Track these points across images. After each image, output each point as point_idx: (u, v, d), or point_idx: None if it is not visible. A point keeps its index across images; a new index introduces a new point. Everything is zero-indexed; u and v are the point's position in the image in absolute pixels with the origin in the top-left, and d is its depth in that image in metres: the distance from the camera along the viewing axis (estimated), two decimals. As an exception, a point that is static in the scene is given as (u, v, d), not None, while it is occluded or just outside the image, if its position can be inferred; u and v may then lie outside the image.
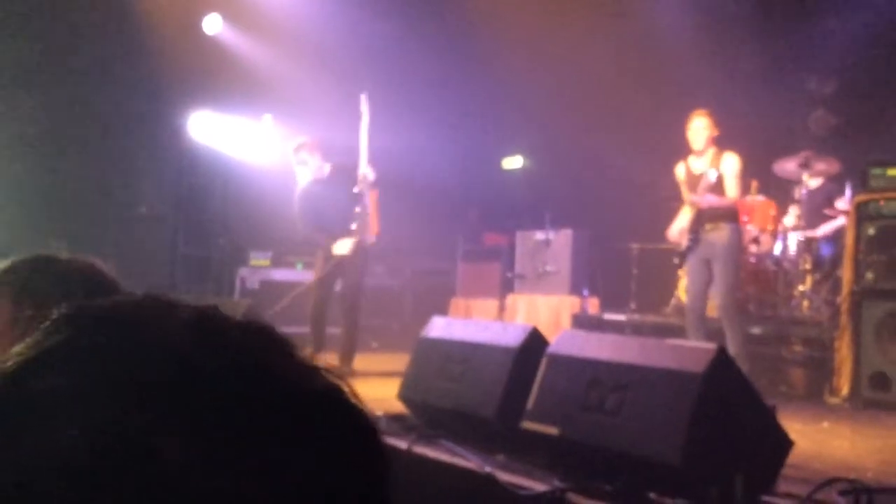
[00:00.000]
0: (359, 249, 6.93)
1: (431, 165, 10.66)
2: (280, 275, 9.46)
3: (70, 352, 0.50)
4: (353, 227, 6.89)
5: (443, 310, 9.31)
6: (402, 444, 3.87)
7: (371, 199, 7.05)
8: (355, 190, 6.89)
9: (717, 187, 6.26)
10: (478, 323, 5.81)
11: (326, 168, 7.05)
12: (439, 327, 4.74)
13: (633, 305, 8.44)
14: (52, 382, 0.48)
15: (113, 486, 0.45)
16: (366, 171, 6.85)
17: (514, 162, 12.42)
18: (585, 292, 8.85)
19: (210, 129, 10.04)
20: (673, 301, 8.17)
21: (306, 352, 0.56)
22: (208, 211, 10.15)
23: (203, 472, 0.46)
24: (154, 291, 0.59)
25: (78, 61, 9.01)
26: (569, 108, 9.43)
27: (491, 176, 12.24)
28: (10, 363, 0.50)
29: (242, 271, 9.33)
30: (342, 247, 6.89)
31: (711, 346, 3.44)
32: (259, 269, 9.43)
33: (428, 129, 10.58)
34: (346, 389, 0.54)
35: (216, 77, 9.58)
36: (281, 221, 9.35)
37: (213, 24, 9.87)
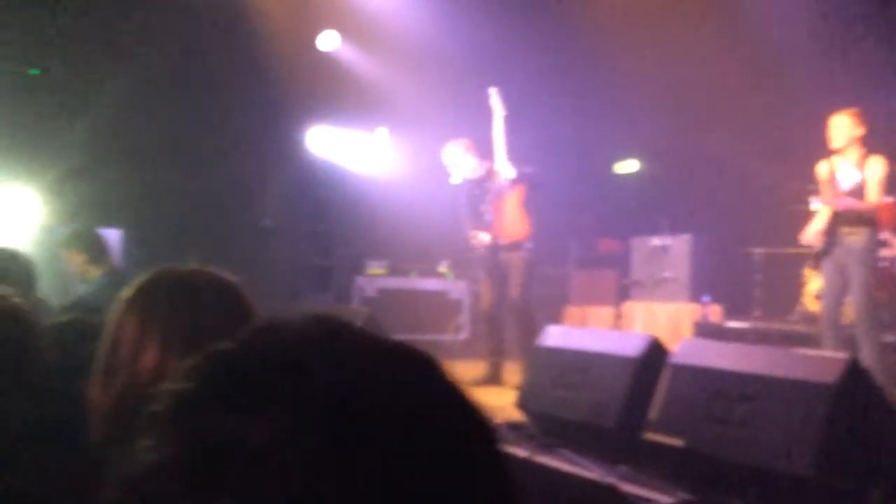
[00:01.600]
0: (511, 254, 6.74)
1: (541, 170, 10.61)
2: (395, 283, 9.63)
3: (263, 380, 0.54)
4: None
5: (555, 318, 9.25)
6: (521, 453, 3.87)
7: (514, 197, 6.78)
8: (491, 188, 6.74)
9: (858, 191, 5.97)
10: (595, 332, 5.75)
11: (482, 168, 6.91)
12: (556, 336, 4.72)
13: (756, 313, 8.17)
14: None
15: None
16: (503, 168, 6.69)
17: (628, 166, 12.23)
18: (706, 299, 8.62)
19: (327, 143, 10.33)
20: (798, 308, 7.87)
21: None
22: (328, 222, 10.44)
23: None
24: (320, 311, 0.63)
25: (202, 81, 9.44)
26: (686, 109, 9.21)
27: (604, 180, 12.08)
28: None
29: (360, 280, 9.53)
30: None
31: (842, 355, 3.31)
32: (375, 277, 9.62)
33: (538, 134, 10.55)
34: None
35: (332, 92, 9.85)
36: (396, 231, 9.56)
37: (328, 41, 10.15)
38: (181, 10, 8.76)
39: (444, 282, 9.61)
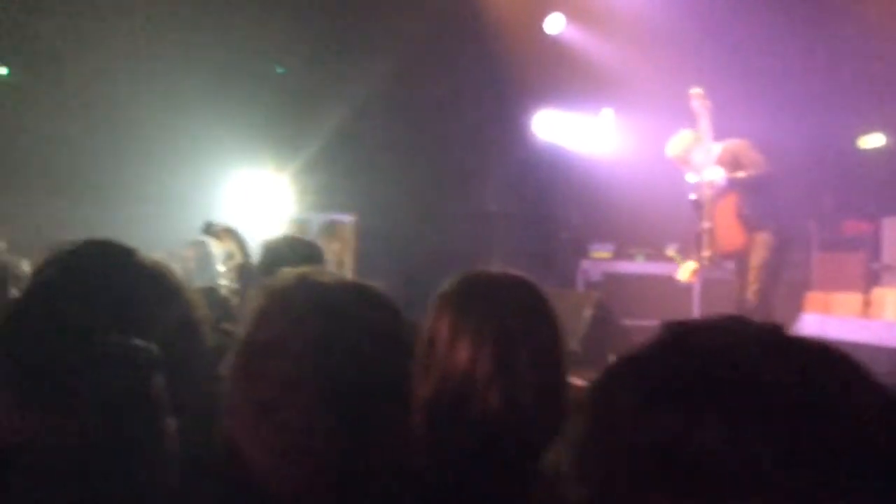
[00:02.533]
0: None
1: (777, 148, 9.99)
2: (621, 267, 9.48)
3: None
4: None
5: (796, 304, 8.69)
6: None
7: (726, 206, 6.34)
8: (691, 197, 6.37)
9: None
10: (857, 321, 5.33)
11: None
12: (812, 325, 4.44)
13: None
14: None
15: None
16: (712, 175, 6.27)
17: (873, 140, 11.22)
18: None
19: (552, 127, 10.33)
20: None
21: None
22: (552, 206, 10.45)
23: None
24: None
25: (429, 71, 9.74)
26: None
27: (846, 157, 11.17)
28: None
29: (584, 264, 9.47)
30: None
31: None
32: (600, 261, 9.51)
33: (774, 110, 9.92)
34: None
35: (557, 75, 9.81)
36: (621, 213, 9.38)
37: (555, 24, 10.11)
38: (411, 2, 9.08)
39: (672, 265, 9.33)
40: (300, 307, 1.14)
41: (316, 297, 1.15)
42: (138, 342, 1.31)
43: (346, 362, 1.10)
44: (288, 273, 1.18)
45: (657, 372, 0.56)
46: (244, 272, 4.03)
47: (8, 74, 10.16)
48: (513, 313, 1.61)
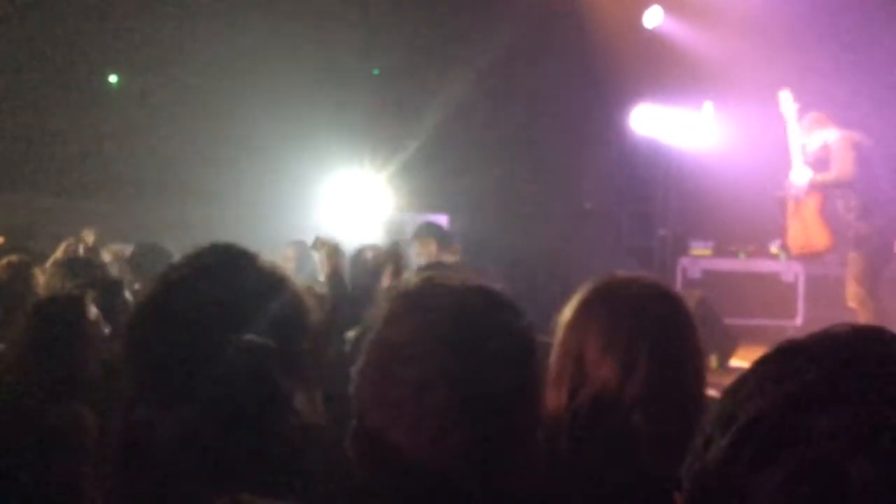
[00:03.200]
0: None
1: (883, 140, 9.55)
2: (722, 264, 9.24)
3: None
4: None
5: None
6: None
7: (811, 206, 6.28)
8: (778, 194, 6.31)
9: None
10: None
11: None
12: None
13: None
14: None
15: None
16: (797, 177, 6.18)
17: None
18: None
19: (650, 121, 10.15)
20: None
21: None
22: (650, 202, 10.28)
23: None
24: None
25: (526, 68, 9.72)
26: None
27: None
28: None
29: (684, 261, 9.28)
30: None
31: None
32: (700, 258, 9.31)
33: (879, 102, 9.49)
34: None
35: (656, 69, 9.64)
36: (722, 209, 9.14)
37: (653, 17, 9.93)
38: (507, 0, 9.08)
39: (776, 263, 9.04)
40: (429, 309, 1.16)
41: (444, 300, 1.17)
42: (259, 339, 1.38)
43: (476, 364, 1.12)
44: (415, 276, 1.20)
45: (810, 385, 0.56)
46: (333, 283, 4.38)
47: (118, 82, 10.63)
48: (663, 331, 1.57)
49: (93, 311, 2.37)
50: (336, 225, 8.75)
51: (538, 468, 1.18)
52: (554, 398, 1.52)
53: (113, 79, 10.58)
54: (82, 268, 3.84)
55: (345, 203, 9.87)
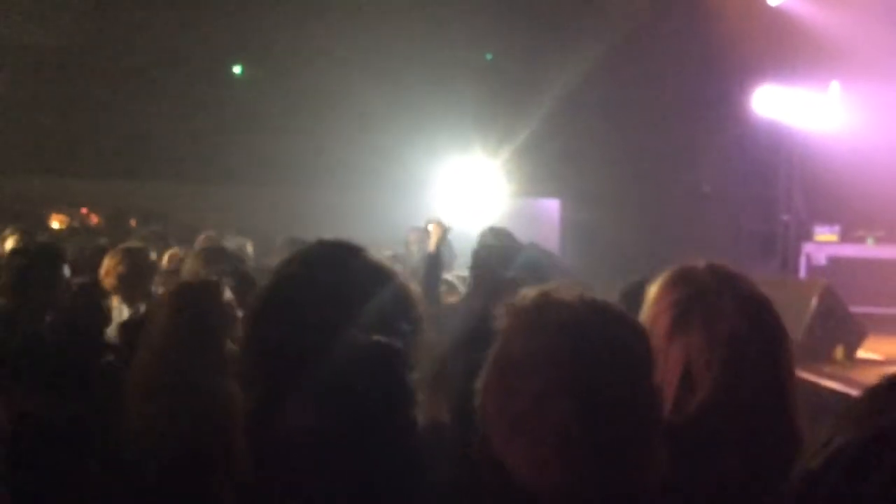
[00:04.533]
0: None
1: None
2: (849, 251, 8.87)
3: None
4: None
5: None
6: None
7: None
8: None
9: None
10: None
11: None
12: None
13: None
14: None
15: None
16: None
17: None
18: None
19: (773, 103, 9.80)
20: None
21: None
22: (772, 185, 9.96)
23: None
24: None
25: (642, 48, 9.54)
26: None
27: None
28: None
29: (807, 247, 8.96)
30: None
31: None
32: (825, 244, 8.96)
33: None
34: None
35: (780, 48, 9.30)
36: (848, 193, 8.75)
37: (779, -6, 9.57)
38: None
39: (907, 249, 8.62)
40: (547, 325, 1.21)
41: (561, 315, 1.21)
42: (381, 338, 1.46)
43: (594, 378, 1.17)
44: (531, 291, 1.26)
45: None
46: (429, 260, 4.68)
47: (242, 72, 11.03)
48: (761, 341, 1.57)
49: (227, 293, 2.51)
50: (450, 211, 8.86)
51: (656, 478, 1.21)
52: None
53: (237, 69, 10.98)
54: (221, 258, 4.06)
55: (458, 189, 9.96)
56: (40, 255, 3.60)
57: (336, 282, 1.59)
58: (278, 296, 1.62)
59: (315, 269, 1.62)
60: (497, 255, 3.97)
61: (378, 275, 1.64)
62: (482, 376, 1.24)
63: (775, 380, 1.56)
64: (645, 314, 1.64)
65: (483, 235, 5.22)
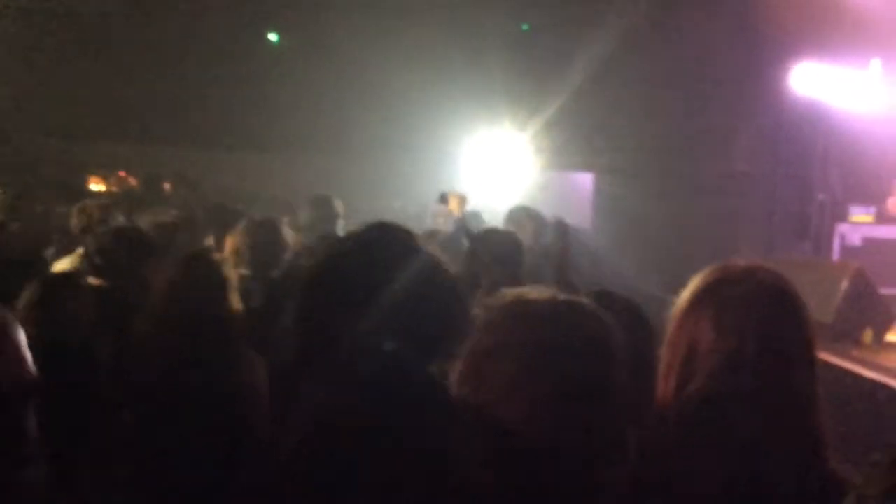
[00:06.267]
0: None
1: None
2: (885, 232, 8.74)
3: None
4: None
5: None
6: None
7: None
8: None
9: None
10: None
11: None
12: None
13: None
14: None
15: None
16: None
17: None
18: None
19: (811, 81, 9.63)
20: None
21: None
22: (807, 166, 9.82)
23: None
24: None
25: (678, 21, 9.41)
26: None
27: None
28: None
29: (842, 228, 8.84)
30: None
31: None
32: (860, 225, 8.84)
33: None
34: None
35: (819, 24, 9.11)
36: (885, 174, 8.60)
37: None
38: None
39: (945, 232, 8.47)
40: (521, 317, 1.30)
41: (532, 308, 1.31)
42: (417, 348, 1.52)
43: (560, 364, 1.24)
44: (507, 292, 1.35)
45: None
46: (457, 224, 5.06)
47: (278, 41, 11.05)
48: (772, 330, 1.59)
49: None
50: (478, 184, 8.83)
51: (625, 459, 1.27)
52: (663, 389, 1.55)
53: (273, 37, 11.00)
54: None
55: (487, 162, 9.92)
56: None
57: (381, 264, 1.62)
58: (325, 274, 1.68)
59: (364, 251, 1.67)
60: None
61: (422, 262, 1.66)
62: (455, 367, 1.30)
63: (784, 376, 1.56)
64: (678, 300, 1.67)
65: (512, 212, 5.32)
